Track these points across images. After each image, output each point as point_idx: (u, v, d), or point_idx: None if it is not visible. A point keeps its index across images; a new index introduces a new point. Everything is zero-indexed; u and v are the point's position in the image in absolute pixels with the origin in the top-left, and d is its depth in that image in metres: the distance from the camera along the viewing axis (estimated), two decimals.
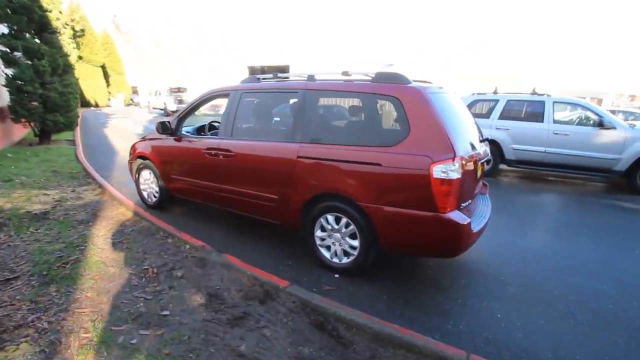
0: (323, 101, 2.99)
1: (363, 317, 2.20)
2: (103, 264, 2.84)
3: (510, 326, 2.33)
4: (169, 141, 4.02)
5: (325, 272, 2.96)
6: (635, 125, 5.59)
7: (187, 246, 3.22)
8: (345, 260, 2.90)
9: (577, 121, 6.18)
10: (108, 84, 26.64)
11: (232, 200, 3.52)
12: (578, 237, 3.93)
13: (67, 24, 8.57)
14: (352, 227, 2.77)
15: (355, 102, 2.83)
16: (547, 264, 3.23)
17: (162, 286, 2.56)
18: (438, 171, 2.36)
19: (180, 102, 21.20)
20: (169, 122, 3.94)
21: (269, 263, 3.08)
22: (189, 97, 21.80)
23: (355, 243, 2.80)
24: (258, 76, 3.55)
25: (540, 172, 6.87)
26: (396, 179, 2.52)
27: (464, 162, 2.43)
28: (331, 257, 2.97)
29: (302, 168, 2.91)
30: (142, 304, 2.34)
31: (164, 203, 4.38)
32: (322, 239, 2.99)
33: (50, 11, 7.64)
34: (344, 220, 2.80)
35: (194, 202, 4.16)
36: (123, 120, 17.35)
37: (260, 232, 3.78)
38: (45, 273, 2.65)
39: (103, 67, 25.64)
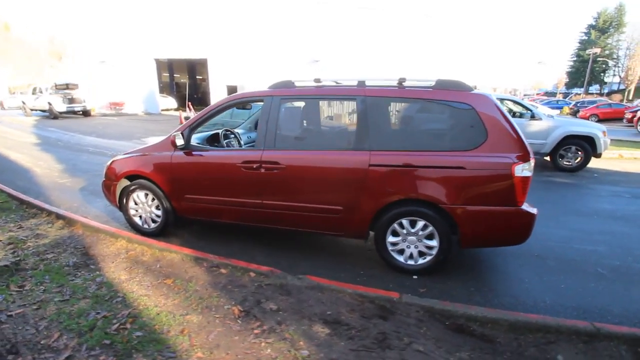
0: (387, 107, 2.99)
1: (491, 312, 2.37)
2: (173, 314, 2.33)
3: (576, 293, 2.81)
4: (178, 156, 3.45)
5: (399, 275, 3.03)
6: (553, 116, 7.08)
7: (252, 274, 2.86)
8: (421, 261, 3.01)
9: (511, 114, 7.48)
10: None
11: (279, 216, 3.25)
12: (551, 211, 4.84)
13: None
14: (430, 228, 2.89)
15: (424, 108, 2.92)
16: (551, 237, 3.92)
17: (269, 324, 2.26)
18: (519, 170, 2.65)
19: (72, 101, 17.65)
20: (183, 134, 3.37)
21: (343, 277, 2.99)
22: (82, 95, 18.31)
23: (432, 243, 2.93)
24: (293, 80, 3.32)
25: None
26: (480, 180, 2.73)
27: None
28: (405, 260, 3.04)
29: (376, 177, 2.88)
30: (268, 350, 2.03)
31: (169, 228, 3.75)
32: (394, 244, 3.04)
33: None
34: (421, 223, 2.90)
35: (198, 222, 3.70)
36: None
37: (302, 245, 3.61)
38: (107, 342, 2.05)
39: None
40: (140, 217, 3.80)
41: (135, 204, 3.76)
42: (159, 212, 3.68)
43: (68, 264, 3.04)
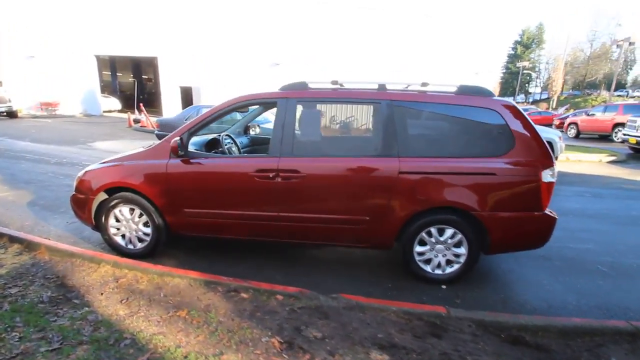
0: (415, 112, 2.88)
1: (540, 319, 2.35)
2: (205, 356, 1.95)
3: (593, 292, 2.94)
4: (176, 164, 3.01)
5: (428, 286, 2.93)
6: None
7: (279, 297, 2.55)
8: (449, 269, 2.94)
9: None
10: None
11: (297, 229, 2.98)
12: None
13: None
14: (459, 236, 2.84)
15: (451, 114, 2.86)
16: None
17: (320, 355, 1.99)
18: (546, 175, 2.71)
19: None
20: (182, 139, 2.94)
21: (373, 292, 2.82)
22: (7, 94, 15.90)
23: (461, 251, 2.88)
24: (307, 82, 3.07)
25: None
26: (510, 186, 2.73)
27: None
28: (433, 270, 2.95)
29: (406, 184, 2.76)
30: None
31: (160, 247, 3.26)
32: (421, 254, 2.93)
33: None
34: (450, 231, 2.83)
35: (191, 239, 3.33)
36: None
37: (316, 260, 3.40)
38: None
39: None
40: (124, 236, 3.26)
41: (117, 221, 3.21)
42: (148, 230, 3.19)
43: (42, 300, 2.46)
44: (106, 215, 3.19)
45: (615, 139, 14.12)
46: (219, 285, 2.67)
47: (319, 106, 3.12)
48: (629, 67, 54.12)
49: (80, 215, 3.32)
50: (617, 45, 23.47)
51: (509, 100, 2.91)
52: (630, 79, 56.29)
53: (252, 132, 4.67)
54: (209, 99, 15.54)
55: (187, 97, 19.28)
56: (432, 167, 2.75)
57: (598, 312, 2.65)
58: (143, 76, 26.91)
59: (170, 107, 18.62)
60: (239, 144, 3.91)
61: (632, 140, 10.27)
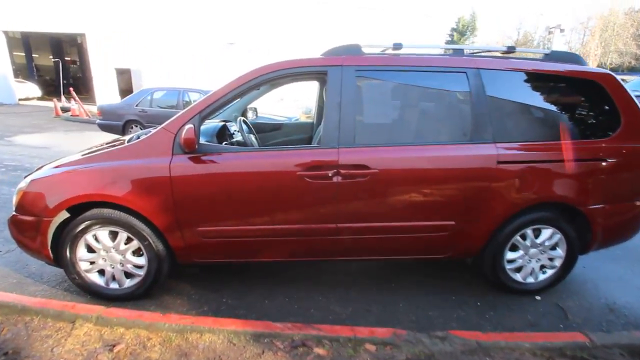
0: (509, 85, 2.25)
1: None
2: None
3: None
4: (183, 164, 2.06)
5: (521, 298, 2.42)
6: None
7: (369, 346, 1.80)
8: (542, 276, 2.45)
9: None
10: None
11: (362, 244, 2.26)
12: None
13: None
14: (558, 236, 2.34)
15: (549, 86, 2.30)
16: None
17: None
18: None
19: None
20: (195, 126, 1.99)
21: (465, 317, 2.22)
22: None
23: (556, 254, 2.39)
24: (362, 46, 2.28)
25: None
26: (619, 173, 2.27)
27: None
28: (525, 279, 2.43)
29: (506, 177, 2.16)
30: None
31: (160, 281, 2.30)
32: (511, 261, 2.39)
33: None
34: (548, 231, 2.32)
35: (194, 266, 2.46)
36: None
37: (364, 275, 2.68)
38: None
39: None
40: (102, 272, 2.24)
41: (91, 251, 2.18)
42: (140, 261, 2.20)
43: None
44: (72, 245, 2.13)
45: None
46: (276, 338, 1.84)
47: (384, 77, 2.32)
48: None
49: (29, 246, 2.20)
50: (550, 32, 25.53)
51: (607, 70, 2.43)
52: None
53: (250, 117, 3.74)
54: (153, 82, 13.54)
55: (124, 80, 16.72)
56: (537, 155, 2.18)
57: None
58: (66, 57, 22.98)
59: (105, 92, 15.98)
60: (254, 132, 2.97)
61: None
